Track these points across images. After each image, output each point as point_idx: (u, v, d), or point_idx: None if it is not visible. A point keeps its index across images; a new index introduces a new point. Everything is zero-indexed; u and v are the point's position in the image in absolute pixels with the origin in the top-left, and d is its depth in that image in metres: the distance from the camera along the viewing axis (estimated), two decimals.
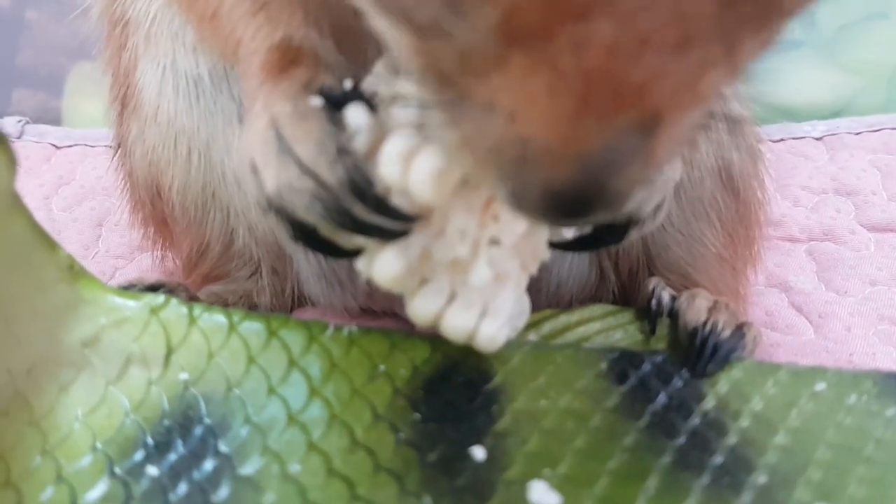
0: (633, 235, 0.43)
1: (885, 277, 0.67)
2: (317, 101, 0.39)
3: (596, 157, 0.27)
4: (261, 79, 0.42)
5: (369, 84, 0.39)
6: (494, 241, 0.39)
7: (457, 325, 0.39)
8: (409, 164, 0.36)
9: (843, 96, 0.96)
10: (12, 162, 0.38)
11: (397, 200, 0.38)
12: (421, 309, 0.39)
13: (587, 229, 0.42)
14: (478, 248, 0.38)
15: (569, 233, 0.42)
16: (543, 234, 0.40)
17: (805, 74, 0.96)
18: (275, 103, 0.40)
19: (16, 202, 0.41)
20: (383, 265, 0.39)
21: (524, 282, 0.41)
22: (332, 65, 0.42)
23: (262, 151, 0.40)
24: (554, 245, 0.42)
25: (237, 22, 0.44)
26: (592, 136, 0.27)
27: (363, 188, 0.37)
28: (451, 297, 0.39)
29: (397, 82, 0.38)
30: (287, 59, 0.42)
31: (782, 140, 0.86)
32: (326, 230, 0.39)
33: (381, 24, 0.32)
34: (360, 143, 0.38)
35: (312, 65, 0.42)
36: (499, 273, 0.39)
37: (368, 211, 0.37)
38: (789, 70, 0.96)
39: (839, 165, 0.81)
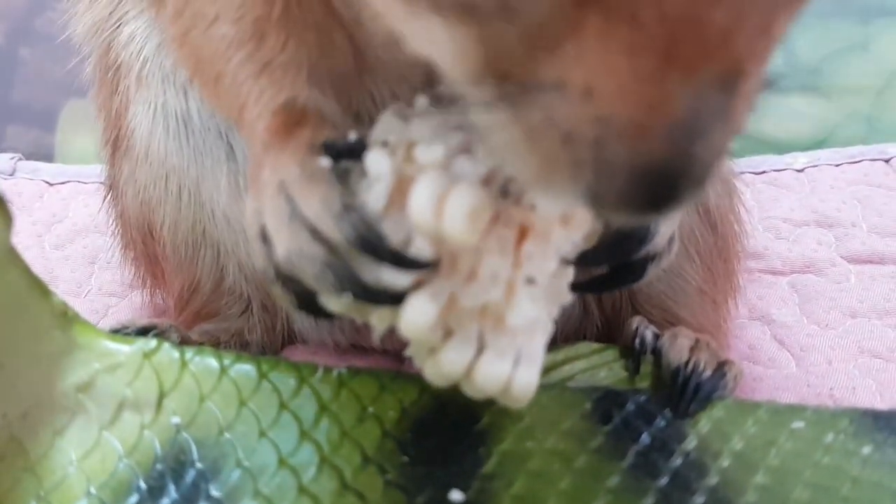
0: (652, 272, 0.42)
1: (865, 309, 0.68)
2: (324, 162, 0.39)
3: (683, 123, 0.26)
4: (266, 142, 0.42)
5: (377, 134, 0.39)
6: (531, 281, 0.37)
7: (491, 375, 0.37)
8: (441, 205, 0.35)
9: (824, 127, 0.98)
10: (8, 220, 0.39)
11: (416, 248, 0.36)
12: (448, 362, 0.37)
13: (603, 269, 0.42)
14: (513, 290, 0.37)
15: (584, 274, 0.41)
16: (568, 275, 0.39)
17: (787, 105, 0.98)
18: (283, 167, 0.40)
19: (11, 254, 0.42)
20: (415, 312, 0.36)
21: (549, 330, 0.39)
22: (336, 122, 0.43)
23: (273, 217, 0.39)
24: (574, 287, 0.40)
25: (241, 85, 0.44)
26: (678, 97, 0.26)
27: (373, 242, 0.36)
28: (481, 349, 0.37)
29: (409, 128, 0.38)
30: (292, 120, 0.42)
31: (764, 172, 0.87)
32: (334, 302, 0.38)
33: (421, 41, 0.31)
34: (379, 193, 0.37)
35: (317, 124, 0.42)
36: (532, 327, 0.38)
37: (379, 270, 0.36)
38: (771, 101, 0.98)
39: (820, 198, 0.83)
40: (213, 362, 0.47)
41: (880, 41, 0.98)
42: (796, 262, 0.75)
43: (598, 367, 0.50)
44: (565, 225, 0.37)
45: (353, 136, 0.40)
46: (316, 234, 0.37)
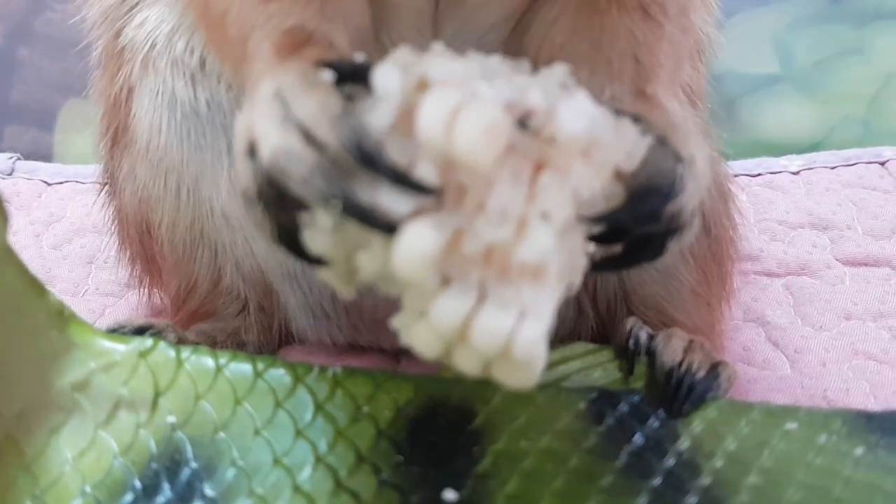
0: (673, 248, 0.39)
1: (859, 311, 0.69)
2: (328, 75, 0.36)
3: None
4: (269, 59, 0.40)
5: (389, 59, 0.35)
6: (546, 216, 0.33)
7: (491, 328, 0.32)
8: (454, 120, 0.32)
9: (820, 130, 0.98)
10: (4, 219, 0.39)
11: (421, 172, 0.33)
12: (443, 314, 0.33)
13: (620, 247, 0.38)
14: (525, 226, 0.33)
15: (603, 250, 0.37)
16: (580, 236, 0.35)
17: (783, 108, 0.98)
18: (281, 76, 0.37)
19: (8, 253, 0.43)
20: (413, 241, 0.32)
21: (559, 293, 0.34)
22: (346, 52, 0.40)
23: (263, 121, 0.36)
24: (593, 267, 0.37)
25: (248, 14, 0.42)
26: None
27: (372, 153, 0.33)
28: (482, 300, 0.33)
29: (424, 60, 0.35)
30: (299, 41, 0.40)
31: (760, 175, 0.88)
32: (318, 238, 0.35)
33: None
34: (385, 111, 0.34)
35: (325, 47, 0.40)
36: (540, 266, 0.33)
37: (376, 189, 0.33)
38: (767, 104, 0.99)
39: (815, 200, 0.83)
40: (208, 361, 0.47)
41: (875, 45, 0.99)
42: (791, 265, 0.75)
43: (593, 367, 0.50)
44: (586, 161, 0.34)
45: (360, 57, 0.37)
46: (309, 137, 0.34)
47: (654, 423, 0.44)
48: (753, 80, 0.98)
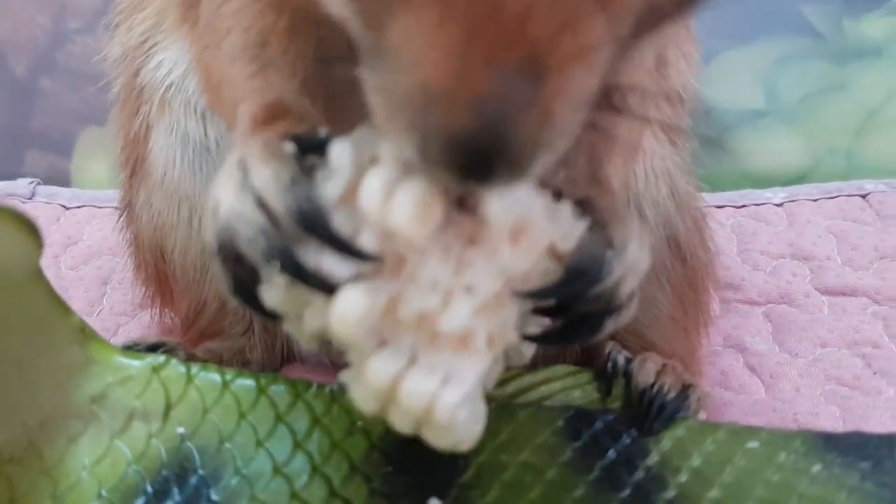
0: (609, 327, 0.41)
1: (834, 339, 0.72)
2: (288, 147, 0.39)
3: (489, 99, 0.28)
4: (244, 130, 0.44)
5: (350, 136, 0.38)
6: (470, 290, 0.36)
7: (415, 390, 0.35)
8: (391, 195, 0.34)
9: (804, 163, 1.02)
10: (40, 245, 0.43)
11: (362, 240, 0.35)
12: (377, 372, 0.36)
13: (559, 323, 0.40)
14: (450, 299, 0.36)
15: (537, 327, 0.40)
16: (513, 310, 0.38)
17: (769, 142, 1.02)
18: (248, 146, 0.40)
19: (38, 274, 0.47)
20: (348, 303, 0.35)
21: (487, 362, 0.37)
22: (316, 126, 0.43)
23: (224, 186, 0.39)
24: (528, 338, 0.40)
25: (238, 86, 0.47)
26: (482, 74, 0.28)
27: (315, 220, 0.36)
28: (412, 363, 0.36)
29: (378, 142, 0.37)
30: (275, 113, 0.44)
31: (744, 206, 0.91)
32: (270, 293, 0.37)
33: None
34: (336, 183, 0.37)
35: (296, 120, 0.43)
36: (466, 335, 0.36)
37: (319, 254, 0.35)
38: (754, 138, 1.03)
39: (797, 231, 0.87)
40: (216, 377, 0.51)
41: (858, 82, 1.03)
42: (772, 293, 0.79)
43: (573, 388, 0.54)
44: (515, 243, 0.36)
45: (323, 132, 0.39)
46: (261, 203, 0.37)
47: (626, 440, 0.48)
48: (740, 114, 1.02)
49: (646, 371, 0.52)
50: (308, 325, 0.38)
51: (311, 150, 0.39)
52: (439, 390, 0.36)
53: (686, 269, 0.61)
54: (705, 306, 0.64)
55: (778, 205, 0.91)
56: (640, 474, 0.45)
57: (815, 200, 0.92)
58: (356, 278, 0.36)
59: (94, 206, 0.91)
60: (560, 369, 0.55)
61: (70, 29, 1.01)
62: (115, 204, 0.90)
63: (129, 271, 0.80)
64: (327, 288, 0.36)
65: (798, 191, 0.94)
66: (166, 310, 0.71)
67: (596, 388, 0.54)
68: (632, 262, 0.41)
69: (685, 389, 0.51)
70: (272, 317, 0.39)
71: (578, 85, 0.30)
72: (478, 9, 0.27)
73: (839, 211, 0.90)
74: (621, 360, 0.54)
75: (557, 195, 0.39)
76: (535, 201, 0.37)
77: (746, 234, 0.87)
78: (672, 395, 0.50)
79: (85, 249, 0.85)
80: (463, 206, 0.36)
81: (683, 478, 0.45)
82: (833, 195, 0.92)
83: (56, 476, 0.47)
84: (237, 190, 0.39)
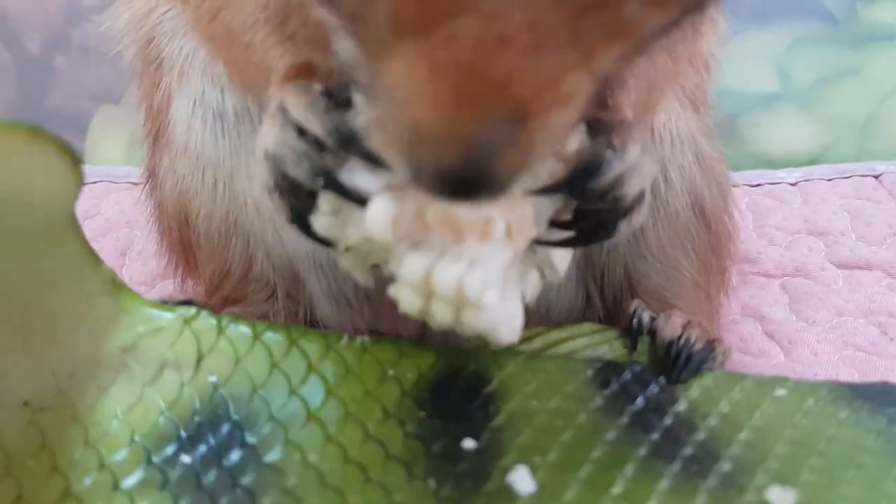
0: (623, 229, 0.45)
1: (851, 309, 0.73)
2: (318, 86, 0.44)
3: (473, 142, 0.31)
4: (279, 85, 0.47)
5: None
6: None
7: (445, 275, 0.40)
8: (368, 208, 0.40)
9: (817, 147, 1.03)
10: (80, 182, 0.44)
11: None
12: (412, 267, 0.40)
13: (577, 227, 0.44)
14: None
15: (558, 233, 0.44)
16: (528, 206, 0.42)
17: (782, 126, 1.03)
18: (285, 94, 0.45)
19: (73, 222, 0.47)
20: (378, 209, 0.40)
21: (509, 250, 0.41)
22: (346, 82, 0.45)
23: (268, 129, 0.44)
24: (546, 242, 0.44)
25: (268, 51, 0.49)
26: (467, 123, 0.30)
27: (349, 138, 0.40)
28: (441, 255, 0.41)
29: None
30: (303, 71, 0.47)
31: (760, 185, 0.92)
32: (321, 220, 0.42)
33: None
34: (363, 117, 0.40)
35: (326, 75, 0.46)
36: (486, 225, 0.40)
37: (353, 171, 0.40)
38: (767, 121, 1.04)
39: (812, 209, 0.87)
40: (246, 329, 0.51)
41: (871, 67, 1.03)
42: (788, 267, 0.79)
43: (600, 344, 0.54)
44: None
45: (351, 87, 0.43)
46: (301, 132, 0.42)
47: (654, 389, 0.48)
48: (754, 97, 1.03)
49: (672, 324, 0.53)
50: (351, 239, 0.42)
51: (340, 105, 0.42)
52: (466, 272, 0.40)
53: (710, 235, 0.61)
54: (727, 272, 0.64)
55: (792, 184, 0.92)
56: (669, 419, 0.46)
57: (829, 180, 0.92)
58: (388, 189, 0.40)
59: (110, 182, 0.92)
60: (585, 327, 0.55)
61: (85, 6, 1.02)
62: (131, 179, 0.92)
63: (148, 243, 0.80)
64: (363, 201, 0.41)
65: (812, 171, 0.94)
66: (188, 278, 0.71)
67: (622, 345, 0.54)
68: (633, 161, 0.44)
69: (711, 343, 0.51)
70: (325, 243, 0.43)
71: (559, 121, 0.32)
72: (464, 71, 0.30)
73: (853, 190, 0.91)
74: (646, 317, 0.55)
75: None
76: None
77: (762, 212, 0.87)
78: (699, 346, 0.50)
79: (103, 223, 0.86)
80: None
81: (713, 422, 0.46)
82: (847, 175, 0.93)
83: (88, 424, 0.48)
84: (280, 128, 0.43)
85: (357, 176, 0.41)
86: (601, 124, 0.44)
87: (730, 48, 1.02)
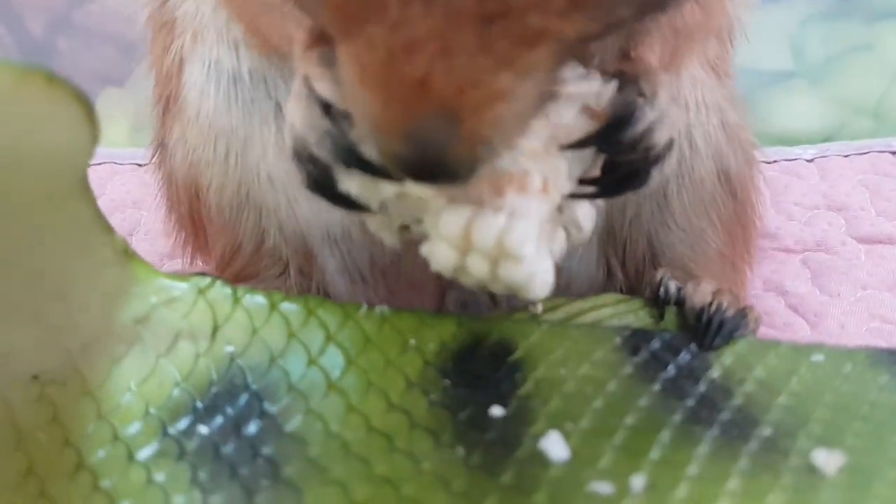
0: (655, 176, 0.44)
1: (875, 282, 0.71)
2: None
3: (415, 138, 0.32)
4: (301, 51, 0.46)
5: None
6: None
7: (486, 227, 0.40)
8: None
9: (832, 123, 1.01)
10: (96, 138, 0.42)
11: None
12: (451, 221, 0.40)
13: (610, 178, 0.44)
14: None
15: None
16: (562, 161, 0.42)
17: (796, 103, 1.01)
18: (308, 65, 0.44)
19: (85, 184, 0.45)
20: None
21: (545, 204, 0.41)
22: None
23: (295, 103, 0.44)
24: (578, 195, 0.44)
25: (286, 15, 0.48)
26: (402, 120, 0.32)
27: None
28: (480, 209, 0.41)
29: None
30: (325, 35, 0.45)
31: (775, 162, 0.90)
32: (346, 180, 0.42)
33: None
34: None
35: None
36: (522, 178, 0.40)
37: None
38: (781, 98, 1.02)
39: (830, 184, 0.86)
40: (263, 299, 0.50)
41: (885, 42, 1.02)
42: (808, 242, 0.78)
43: (625, 314, 0.53)
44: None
45: None
46: (326, 108, 0.42)
47: (685, 356, 0.47)
48: (767, 75, 1.01)
49: (702, 291, 0.51)
50: (385, 194, 0.42)
51: None
52: (507, 223, 0.40)
53: (736, 203, 0.60)
54: (753, 242, 0.63)
55: (808, 160, 0.90)
56: (703, 386, 0.44)
57: (846, 157, 0.91)
58: None
59: (115, 163, 0.90)
60: (610, 297, 0.54)
61: None
62: (137, 161, 0.90)
63: (155, 223, 0.79)
64: (388, 175, 0.39)
65: (828, 148, 0.92)
66: (197, 256, 0.69)
67: (648, 314, 0.53)
68: (663, 109, 0.44)
69: (743, 310, 0.50)
70: (356, 207, 0.43)
71: (503, 114, 0.32)
72: (386, 74, 0.31)
73: (870, 166, 0.89)
74: (673, 287, 0.54)
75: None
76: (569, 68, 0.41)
77: (779, 188, 0.85)
78: (731, 312, 0.49)
79: (109, 203, 0.84)
80: None
81: (749, 388, 0.44)
82: (864, 151, 0.91)
83: (100, 397, 0.46)
84: (305, 103, 0.43)
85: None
86: (627, 76, 0.43)
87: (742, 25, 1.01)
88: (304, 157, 0.43)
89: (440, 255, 0.41)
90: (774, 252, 0.77)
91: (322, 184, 0.43)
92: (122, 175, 0.88)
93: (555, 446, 0.40)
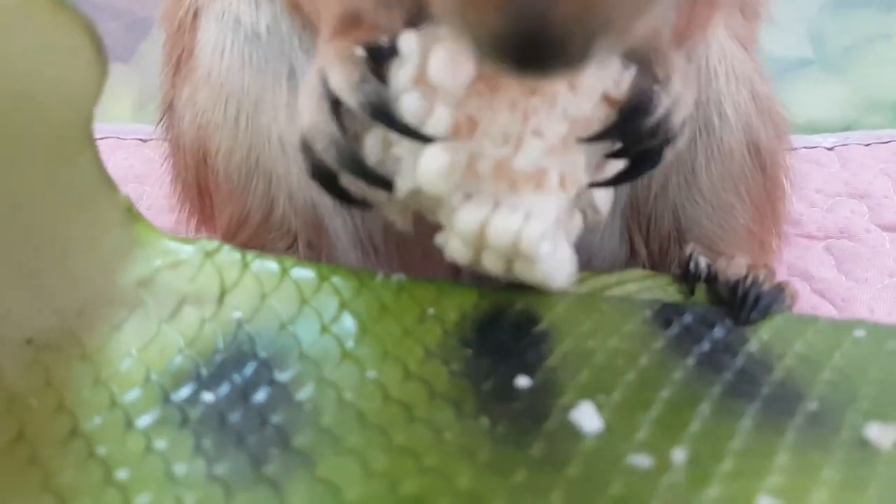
0: (668, 156, 0.44)
1: None
2: (360, 51, 0.42)
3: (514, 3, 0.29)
4: (325, 39, 0.45)
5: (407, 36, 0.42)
6: (537, 133, 0.40)
7: (502, 227, 0.39)
8: (420, 159, 0.40)
9: (851, 112, 0.99)
10: (103, 77, 0.39)
11: (434, 121, 0.40)
12: (467, 219, 0.40)
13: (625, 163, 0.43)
14: (521, 141, 0.40)
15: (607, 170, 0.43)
16: (580, 154, 0.41)
17: (815, 91, 0.99)
18: (325, 56, 0.44)
19: (89, 133, 0.43)
20: (430, 160, 0.40)
21: (562, 200, 0.41)
22: (393, 35, 0.44)
23: (307, 97, 0.44)
24: (596, 184, 0.43)
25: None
26: None
27: (384, 111, 0.40)
28: (496, 207, 0.40)
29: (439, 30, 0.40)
30: (349, 24, 0.45)
31: (795, 149, 0.88)
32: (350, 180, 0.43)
33: None
34: (408, 69, 0.41)
35: (370, 29, 0.44)
36: (539, 175, 0.40)
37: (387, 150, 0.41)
38: (799, 87, 1.00)
39: (851, 172, 0.84)
40: (273, 265, 0.47)
41: None
42: (831, 229, 0.75)
43: (652, 289, 0.50)
44: (570, 89, 0.40)
45: (395, 41, 0.42)
46: (335, 107, 0.42)
47: (720, 330, 0.44)
48: (786, 63, 0.99)
49: (735, 266, 0.49)
50: (401, 188, 0.42)
51: (385, 57, 0.42)
52: (523, 224, 0.40)
53: (766, 178, 0.57)
54: (781, 220, 0.60)
55: (829, 149, 0.88)
56: (741, 360, 0.42)
57: (866, 145, 0.88)
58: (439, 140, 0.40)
59: (118, 138, 0.87)
60: (636, 272, 0.52)
61: None
62: (140, 136, 0.88)
63: (158, 198, 0.76)
64: (388, 185, 0.41)
65: (848, 136, 0.90)
66: (202, 228, 0.67)
67: (677, 290, 0.50)
68: (677, 93, 0.43)
69: (779, 285, 0.47)
70: (360, 205, 0.44)
71: None
72: None
73: (892, 154, 0.87)
74: (703, 262, 0.51)
75: None
76: None
77: (800, 175, 0.83)
78: (767, 286, 0.46)
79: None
80: None
81: (790, 362, 0.41)
82: (884, 140, 0.89)
83: (98, 362, 0.43)
84: (317, 100, 0.43)
85: (394, 147, 0.41)
86: (638, 55, 0.42)
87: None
88: (309, 152, 0.44)
89: (454, 249, 0.41)
90: (798, 238, 0.74)
91: (326, 178, 0.44)
92: (125, 150, 0.85)
93: (587, 418, 0.37)
